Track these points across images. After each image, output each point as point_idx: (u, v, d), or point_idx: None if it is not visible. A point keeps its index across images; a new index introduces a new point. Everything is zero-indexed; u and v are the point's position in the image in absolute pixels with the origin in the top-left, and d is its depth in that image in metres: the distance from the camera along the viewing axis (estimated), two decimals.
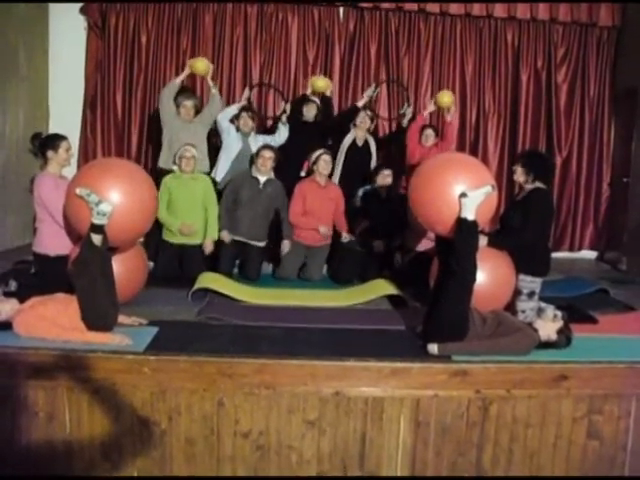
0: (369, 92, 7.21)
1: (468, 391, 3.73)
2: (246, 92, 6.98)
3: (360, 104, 6.97)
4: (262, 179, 6.04)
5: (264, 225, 6.10)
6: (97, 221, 3.90)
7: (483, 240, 4.41)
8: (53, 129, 7.29)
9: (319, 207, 6.11)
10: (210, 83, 6.70)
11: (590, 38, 8.00)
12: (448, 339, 3.86)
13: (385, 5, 7.68)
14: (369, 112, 6.87)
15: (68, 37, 7.81)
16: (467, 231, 3.80)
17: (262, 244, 6.10)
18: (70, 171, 5.03)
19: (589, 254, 8.24)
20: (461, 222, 3.79)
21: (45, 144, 4.71)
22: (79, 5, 7.73)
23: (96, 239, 3.90)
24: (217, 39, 7.83)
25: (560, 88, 8.04)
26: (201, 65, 6.56)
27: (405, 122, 7.20)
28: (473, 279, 3.87)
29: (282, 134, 6.62)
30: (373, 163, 6.76)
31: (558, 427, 3.81)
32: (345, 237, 6.20)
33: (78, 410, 3.65)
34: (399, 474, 3.79)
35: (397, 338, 4.25)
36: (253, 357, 3.70)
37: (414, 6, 7.68)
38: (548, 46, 7.97)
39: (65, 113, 7.81)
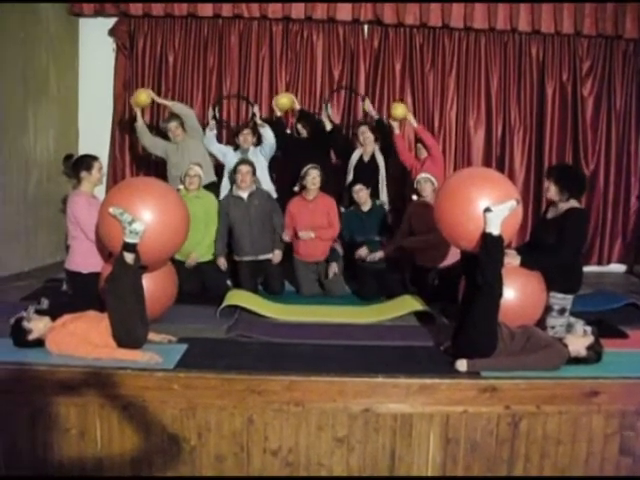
0: (325, 112, 7.14)
1: (497, 407, 3.70)
2: (210, 112, 7.08)
3: (328, 128, 6.96)
4: (245, 194, 6.01)
5: (266, 237, 6.07)
6: (129, 240, 3.97)
7: (516, 260, 4.39)
8: (83, 149, 7.41)
9: (310, 222, 6.07)
10: (163, 102, 6.90)
11: (616, 51, 7.94)
12: (477, 355, 3.85)
13: (409, 21, 7.70)
14: (363, 127, 6.79)
15: (97, 57, 7.96)
16: (492, 246, 3.80)
17: (272, 255, 6.09)
18: (99, 190, 5.12)
19: (618, 268, 8.16)
20: (486, 237, 3.79)
21: (78, 164, 4.82)
22: (108, 26, 7.87)
23: (128, 257, 3.97)
24: (243, 58, 7.91)
25: (586, 101, 7.99)
26: (141, 97, 6.72)
27: (374, 114, 7.01)
28: (500, 294, 3.86)
29: (267, 134, 6.60)
30: (382, 176, 6.69)
31: (590, 444, 3.76)
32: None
33: (109, 427, 3.69)
34: None
35: (425, 354, 4.23)
36: (282, 374, 3.71)
37: (438, 22, 7.69)
38: (573, 59, 7.93)
39: (94, 133, 7.94)
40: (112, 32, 7.91)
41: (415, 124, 6.80)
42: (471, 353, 3.85)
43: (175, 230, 4.29)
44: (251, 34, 7.88)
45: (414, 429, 3.71)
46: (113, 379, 3.66)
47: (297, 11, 7.65)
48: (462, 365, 3.82)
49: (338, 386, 3.67)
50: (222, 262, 6.00)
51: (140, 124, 6.75)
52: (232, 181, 6.25)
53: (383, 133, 6.90)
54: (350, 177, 6.70)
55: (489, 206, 3.79)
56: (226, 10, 7.65)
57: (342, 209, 6.53)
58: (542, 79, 7.96)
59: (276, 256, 6.08)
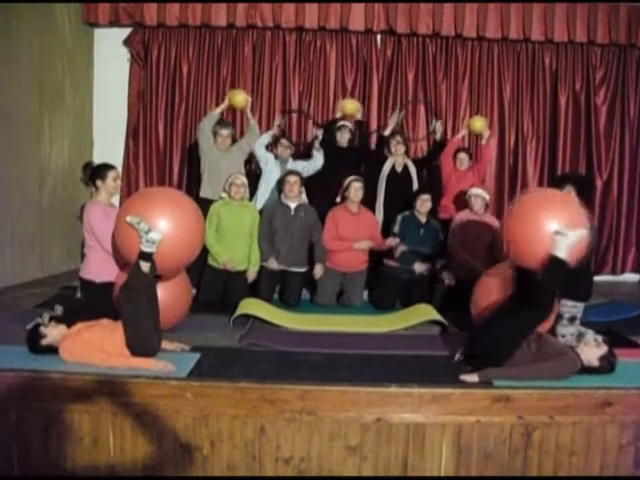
0: (394, 118, 7.28)
1: (510, 417, 3.68)
2: (278, 119, 7.11)
3: (387, 132, 7.06)
4: (292, 205, 6.03)
5: (302, 251, 6.08)
6: (146, 249, 3.97)
7: None
8: (97, 158, 7.48)
9: (352, 234, 6.05)
10: (249, 115, 6.80)
11: (629, 59, 7.95)
12: (489, 360, 3.84)
13: (422, 31, 7.73)
14: (399, 137, 6.81)
15: (112, 67, 8.05)
16: (556, 269, 3.75)
17: (302, 269, 6.08)
18: (114, 199, 5.14)
19: (632, 277, 8.13)
20: (551, 259, 3.75)
21: (94, 173, 4.85)
22: (123, 36, 7.97)
23: (144, 266, 3.97)
24: (256, 68, 7.98)
25: (599, 110, 7.99)
26: (240, 98, 6.68)
27: (438, 136, 7.20)
28: (547, 316, 3.87)
29: (317, 160, 6.62)
30: (414, 188, 6.66)
31: (604, 455, 3.73)
32: (419, 268, 6.05)
33: (122, 435, 3.68)
34: None
35: (438, 364, 4.22)
36: (295, 383, 3.71)
37: (451, 31, 7.72)
38: (586, 68, 7.94)
39: (108, 142, 8.02)
40: (126, 42, 8.01)
41: (485, 140, 6.93)
42: (485, 356, 3.86)
43: (191, 239, 4.29)
44: (265, 44, 7.95)
45: (426, 439, 3.69)
46: (126, 387, 3.66)
47: (310, 21, 7.71)
48: (472, 377, 3.80)
49: (351, 395, 3.66)
50: (273, 262, 5.96)
51: (217, 114, 6.66)
52: (279, 190, 6.27)
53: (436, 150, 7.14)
54: (382, 187, 6.69)
55: (561, 229, 3.77)
56: (240, 20, 7.72)
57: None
58: (555, 88, 7.97)
59: (317, 270, 6.03)
